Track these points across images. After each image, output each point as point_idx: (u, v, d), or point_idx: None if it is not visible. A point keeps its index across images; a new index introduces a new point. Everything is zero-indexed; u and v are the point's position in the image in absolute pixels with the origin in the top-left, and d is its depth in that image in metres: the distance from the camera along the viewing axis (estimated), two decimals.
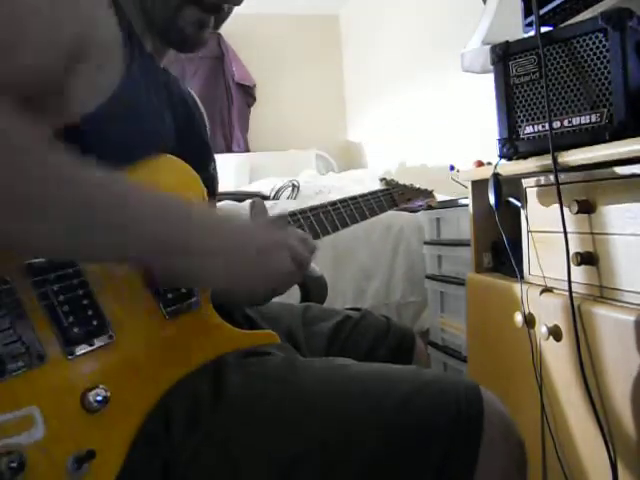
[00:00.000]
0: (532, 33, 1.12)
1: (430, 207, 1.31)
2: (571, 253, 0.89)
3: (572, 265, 0.88)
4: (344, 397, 0.57)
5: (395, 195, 1.04)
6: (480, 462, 0.53)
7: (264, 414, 0.56)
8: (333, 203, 0.86)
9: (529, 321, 1.01)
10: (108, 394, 0.52)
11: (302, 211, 0.80)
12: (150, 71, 0.71)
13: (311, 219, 0.81)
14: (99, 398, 0.51)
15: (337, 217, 0.85)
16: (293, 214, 0.78)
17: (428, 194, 1.19)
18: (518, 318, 1.03)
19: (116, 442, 0.52)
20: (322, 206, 0.84)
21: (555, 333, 0.93)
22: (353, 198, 0.91)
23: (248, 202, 0.78)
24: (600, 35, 0.89)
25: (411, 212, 1.98)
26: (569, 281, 0.87)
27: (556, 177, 0.89)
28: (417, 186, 1.17)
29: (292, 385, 0.59)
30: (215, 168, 0.86)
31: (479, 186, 1.26)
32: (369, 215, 0.93)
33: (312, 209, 0.82)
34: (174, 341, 0.60)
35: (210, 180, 0.81)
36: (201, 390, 0.57)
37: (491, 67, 1.07)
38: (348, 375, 0.60)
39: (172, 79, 0.82)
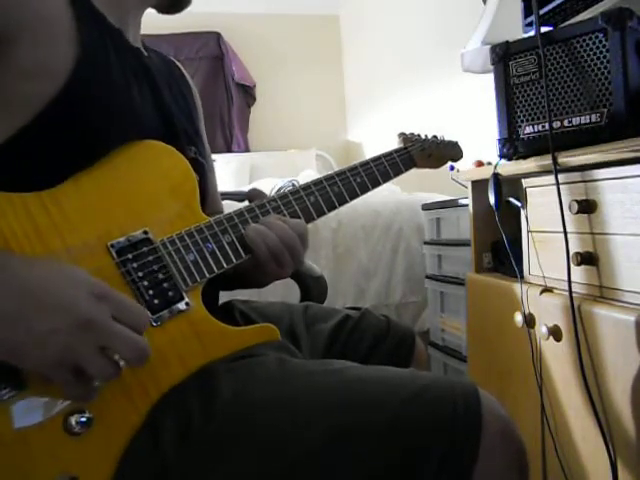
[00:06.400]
0: (532, 33, 1.12)
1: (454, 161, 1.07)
2: (571, 253, 0.88)
3: (572, 265, 0.88)
4: (341, 403, 0.56)
5: (414, 153, 0.90)
6: (479, 465, 0.53)
7: (258, 421, 0.55)
8: (341, 172, 0.78)
9: (529, 321, 1.01)
10: (91, 416, 0.50)
11: (305, 187, 0.74)
12: (117, 46, 0.67)
13: (315, 194, 0.74)
14: (82, 420, 0.50)
15: (345, 188, 0.76)
16: (296, 192, 0.73)
17: (452, 147, 1.03)
18: (518, 318, 1.03)
19: (101, 464, 0.51)
20: (328, 177, 0.76)
21: (555, 333, 0.93)
22: (364, 164, 0.81)
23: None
24: (600, 35, 0.89)
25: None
26: (569, 281, 0.87)
27: (556, 177, 0.89)
28: (440, 138, 1.02)
29: (285, 391, 0.57)
30: (199, 153, 0.77)
31: (479, 186, 1.26)
32: (382, 181, 0.82)
33: (316, 183, 0.75)
34: (163, 349, 0.56)
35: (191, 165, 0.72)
36: (191, 400, 0.56)
37: (491, 67, 1.07)
38: (344, 380, 0.59)
39: (150, 56, 0.76)
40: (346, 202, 0.77)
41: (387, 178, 0.83)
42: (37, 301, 0.46)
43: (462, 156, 1.06)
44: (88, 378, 0.48)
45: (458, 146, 1.05)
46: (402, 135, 0.94)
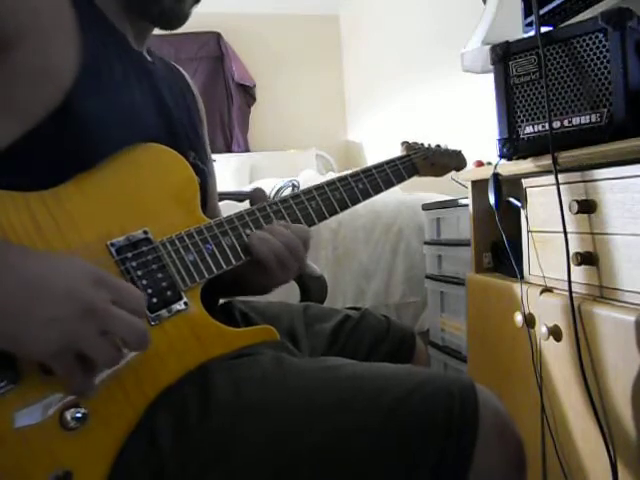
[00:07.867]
0: (532, 33, 1.12)
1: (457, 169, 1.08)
2: (571, 253, 0.88)
3: (572, 265, 0.88)
4: (337, 403, 0.56)
5: (416, 161, 0.91)
6: (476, 460, 0.53)
7: (255, 422, 0.55)
8: (342, 178, 0.78)
9: (529, 321, 1.01)
10: (86, 411, 0.50)
11: (307, 191, 0.74)
12: (120, 49, 0.68)
13: (317, 199, 0.74)
14: (77, 415, 0.50)
15: (347, 193, 0.77)
16: (297, 196, 0.74)
17: (455, 156, 1.04)
18: (518, 318, 1.03)
19: (97, 459, 0.51)
20: (329, 183, 0.77)
21: (555, 333, 0.93)
22: (366, 170, 0.82)
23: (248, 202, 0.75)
24: (600, 35, 0.89)
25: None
26: (569, 281, 0.86)
27: (556, 177, 0.89)
28: (444, 147, 1.03)
29: (282, 392, 0.57)
30: (198, 158, 0.77)
31: (479, 186, 1.26)
32: (384, 187, 0.83)
33: (317, 188, 0.75)
34: (160, 348, 0.56)
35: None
36: (188, 398, 0.56)
37: (491, 67, 1.07)
38: (340, 378, 0.59)
39: (153, 61, 0.77)
40: (347, 207, 0.78)
41: (389, 185, 0.85)
42: (36, 290, 0.46)
43: (465, 165, 1.07)
44: (91, 366, 0.48)
45: (461, 155, 1.07)
46: (405, 143, 0.96)
